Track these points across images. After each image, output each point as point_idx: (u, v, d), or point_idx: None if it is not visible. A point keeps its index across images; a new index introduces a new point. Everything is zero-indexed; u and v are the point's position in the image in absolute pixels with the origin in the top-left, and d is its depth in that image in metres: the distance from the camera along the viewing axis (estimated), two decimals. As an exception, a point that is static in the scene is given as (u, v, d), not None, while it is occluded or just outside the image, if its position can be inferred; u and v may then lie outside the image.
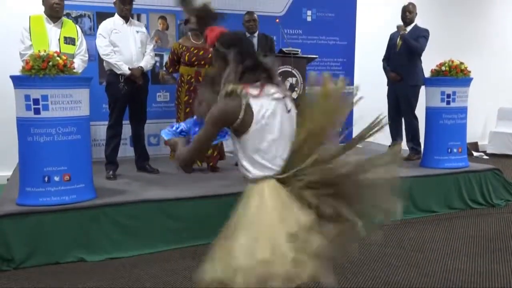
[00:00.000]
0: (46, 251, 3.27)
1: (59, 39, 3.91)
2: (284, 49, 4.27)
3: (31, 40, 3.84)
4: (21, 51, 3.81)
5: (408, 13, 5.24)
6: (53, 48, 3.78)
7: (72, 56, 3.94)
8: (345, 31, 6.43)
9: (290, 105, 1.97)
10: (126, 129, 4.63)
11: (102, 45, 4.27)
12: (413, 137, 5.33)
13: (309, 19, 6.25)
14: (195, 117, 2.20)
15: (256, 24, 5.00)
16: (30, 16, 3.94)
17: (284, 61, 4.16)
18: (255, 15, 5.03)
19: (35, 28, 3.89)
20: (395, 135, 5.56)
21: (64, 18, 4.06)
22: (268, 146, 1.88)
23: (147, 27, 5.33)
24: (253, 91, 1.86)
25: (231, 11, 5.61)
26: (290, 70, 4.14)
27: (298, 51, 4.31)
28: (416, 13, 5.29)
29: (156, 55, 5.10)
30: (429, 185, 4.55)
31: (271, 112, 1.88)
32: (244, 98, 1.84)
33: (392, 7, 7.37)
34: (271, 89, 1.92)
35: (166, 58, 5.13)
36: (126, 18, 4.39)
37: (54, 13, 3.93)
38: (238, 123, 1.84)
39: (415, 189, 4.46)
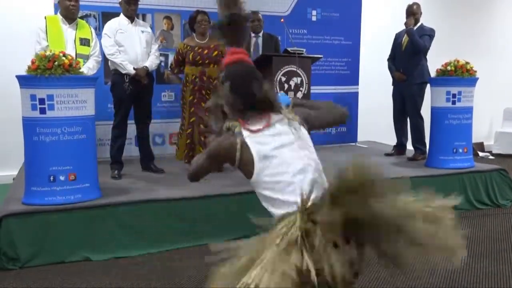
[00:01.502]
0: (51, 250, 3.28)
1: (74, 40, 3.94)
2: (289, 49, 4.26)
3: (47, 40, 3.85)
4: (37, 52, 3.73)
5: (413, 16, 5.20)
6: (69, 49, 3.81)
7: (87, 57, 3.98)
8: (350, 31, 6.41)
9: (297, 127, 1.87)
10: (131, 129, 4.65)
11: (107, 45, 4.29)
12: (418, 137, 5.32)
13: (314, 19, 6.25)
14: None
15: (261, 24, 5.00)
16: (46, 17, 3.97)
17: (289, 61, 4.15)
18: (260, 15, 5.03)
19: (52, 28, 3.91)
20: (401, 135, 5.56)
21: (79, 20, 4.09)
22: (283, 179, 1.77)
23: (152, 27, 5.33)
24: (252, 127, 1.81)
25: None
26: (295, 69, 4.13)
27: (303, 51, 4.30)
28: (421, 13, 5.27)
29: (161, 55, 5.11)
30: (434, 185, 4.44)
31: (278, 145, 1.79)
32: (238, 136, 1.78)
33: (397, 6, 7.36)
34: (274, 118, 1.84)
35: (171, 58, 5.13)
36: (131, 18, 4.40)
37: (70, 15, 3.96)
38: (238, 162, 1.79)
39: (420, 189, 4.42)
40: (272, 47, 4.99)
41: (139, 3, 4.45)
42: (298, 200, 1.67)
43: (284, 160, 1.78)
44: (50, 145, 3.33)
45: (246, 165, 1.79)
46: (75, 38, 3.96)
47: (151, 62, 4.43)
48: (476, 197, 4.68)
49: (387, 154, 5.57)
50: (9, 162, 5.27)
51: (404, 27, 5.34)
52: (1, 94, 5.27)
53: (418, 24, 5.24)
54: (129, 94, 4.31)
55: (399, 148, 5.59)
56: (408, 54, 5.20)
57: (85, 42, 4.02)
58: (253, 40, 5.04)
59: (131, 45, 4.35)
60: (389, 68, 5.47)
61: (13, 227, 3.22)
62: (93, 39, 4.08)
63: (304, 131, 1.90)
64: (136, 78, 4.28)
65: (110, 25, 4.35)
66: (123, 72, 4.27)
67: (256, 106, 1.85)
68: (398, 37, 5.42)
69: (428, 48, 5.16)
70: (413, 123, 5.32)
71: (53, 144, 3.33)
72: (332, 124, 2.12)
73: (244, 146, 1.78)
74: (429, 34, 5.16)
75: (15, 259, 3.20)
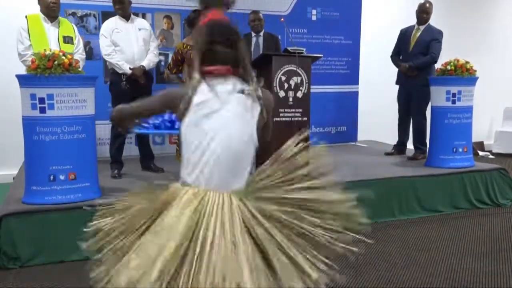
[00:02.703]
0: (51, 250, 3.28)
1: (58, 38, 3.91)
2: (289, 48, 4.26)
3: (30, 40, 3.83)
4: (20, 51, 3.80)
5: (425, 14, 5.15)
6: (53, 47, 3.74)
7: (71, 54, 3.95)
8: (350, 30, 6.42)
9: (246, 103, 1.77)
10: (131, 128, 4.63)
11: (103, 45, 4.29)
12: (420, 137, 5.30)
13: (314, 18, 6.24)
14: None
15: (261, 23, 5.00)
16: (27, 16, 3.92)
17: (289, 60, 4.15)
18: (260, 15, 5.03)
19: (33, 27, 3.87)
20: (403, 135, 5.52)
21: (60, 18, 4.05)
22: (195, 153, 1.71)
23: (152, 27, 5.34)
24: (210, 82, 1.75)
25: (236, 10, 5.60)
26: (295, 69, 4.13)
27: (303, 50, 4.30)
28: (432, 11, 5.21)
29: (161, 54, 5.12)
30: (434, 185, 4.53)
31: (214, 106, 1.72)
32: (192, 89, 1.73)
33: (397, 5, 7.37)
34: (232, 82, 1.77)
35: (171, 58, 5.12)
36: (126, 17, 4.37)
37: (51, 13, 3.92)
38: (181, 109, 1.74)
39: (420, 188, 4.45)
40: (273, 47, 4.99)
41: (139, 2, 4.43)
42: (198, 183, 1.69)
43: (205, 132, 1.71)
44: (50, 145, 3.33)
45: (182, 116, 1.75)
46: (58, 36, 3.93)
47: (149, 60, 4.41)
48: (476, 196, 4.68)
49: (388, 154, 5.56)
50: (9, 162, 5.27)
51: (411, 24, 5.29)
52: (1, 94, 5.27)
53: (426, 24, 5.19)
54: (127, 93, 4.28)
55: (400, 147, 5.57)
56: (416, 55, 5.15)
57: (68, 40, 3.98)
58: (254, 39, 5.05)
59: (127, 44, 4.33)
60: (395, 63, 5.38)
61: (13, 227, 3.22)
62: (75, 36, 4.04)
63: (254, 111, 1.79)
64: (132, 78, 4.27)
65: (107, 25, 4.34)
66: (120, 72, 4.27)
67: (222, 60, 1.77)
68: (404, 34, 5.34)
69: (438, 56, 5.08)
70: (416, 122, 5.30)
71: (53, 144, 3.33)
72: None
73: (190, 98, 1.73)
74: (438, 38, 5.09)
75: (15, 258, 3.20)
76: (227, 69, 1.78)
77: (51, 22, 3.94)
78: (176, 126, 2.15)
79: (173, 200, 1.68)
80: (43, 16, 3.93)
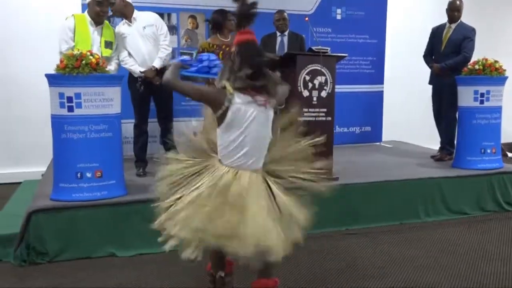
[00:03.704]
0: (78, 246, 3.35)
1: (100, 43, 3.99)
2: (313, 48, 4.23)
3: (74, 40, 3.88)
4: (63, 51, 3.79)
5: (456, 12, 5.03)
6: (95, 50, 3.80)
7: (109, 59, 4.02)
8: (375, 29, 6.35)
9: (268, 113, 2.34)
10: (156, 126, 4.67)
11: (117, 52, 4.25)
12: (449, 138, 5.18)
13: (338, 17, 6.20)
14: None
15: (286, 23, 4.99)
16: (74, 16, 3.98)
17: (313, 59, 4.12)
18: (285, 14, 5.01)
19: (80, 28, 3.92)
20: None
21: (105, 21, 4.10)
22: (232, 154, 2.30)
23: (177, 27, 5.39)
24: (242, 98, 2.25)
25: (261, 10, 5.58)
26: (319, 68, 4.10)
27: (327, 49, 4.26)
28: (462, 9, 5.08)
29: (185, 53, 5.14)
30: (461, 187, 4.45)
31: (248, 117, 2.26)
32: (228, 101, 2.23)
33: (424, 3, 7.27)
34: (259, 98, 2.28)
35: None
36: (128, 19, 4.30)
37: (98, 19, 3.99)
38: (217, 115, 2.27)
39: (447, 190, 4.37)
40: (298, 46, 4.97)
41: (165, 2, 4.38)
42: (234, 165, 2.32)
43: (245, 128, 2.28)
44: (77, 143, 3.39)
45: (220, 120, 2.29)
46: (100, 40, 4.01)
47: (159, 59, 4.29)
48: (505, 198, 4.58)
49: (435, 158, 5.27)
50: (38, 159, 5.39)
51: (443, 22, 5.19)
52: (31, 93, 5.40)
53: (458, 22, 5.06)
54: (143, 93, 4.31)
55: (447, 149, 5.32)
56: (449, 55, 5.02)
57: (108, 45, 4.06)
58: (279, 39, 5.04)
59: (135, 48, 4.28)
60: (427, 63, 5.25)
61: (42, 223, 3.29)
62: (115, 41, 4.13)
63: (270, 114, 2.36)
64: (147, 80, 4.29)
65: (117, 32, 4.29)
66: (135, 75, 4.30)
67: (256, 81, 2.25)
68: (436, 33, 5.22)
69: (471, 55, 4.95)
70: (446, 123, 5.16)
71: (80, 142, 3.39)
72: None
73: (228, 110, 2.24)
74: (470, 37, 4.96)
75: (43, 253, 3.28)
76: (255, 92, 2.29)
77: (96, 26, 4.00)
78: (212, 72, 2.70)
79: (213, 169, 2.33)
80: (90, 19, 3.98)
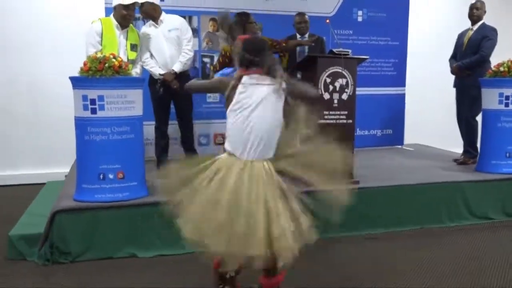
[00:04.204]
0: (100, 246, 3.39)
1: (126, 46, 4.06)
2: (334, 50, 4.21)
3: (101, 44, 3.96)
4: (90, 55, 3.83)
5: (475, 10, 5.00)
6: (121, 54, 3.90)
7: (134, 62, 4.09)
8: (397, 31, 6.27)
9: (276, 97, 2.41)
10: (177, 129, 4.70)
11: (140, 53, 4.29)
12: (471, 140, 5.09)
13: (359, 19, 6.15)
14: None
15: (307, 25, 4.98)
16: (101, 20, 4.06)
17: (334, 62, 4.10)
18: (306, 17, 5.00)
19: (106, 32, 4.00)
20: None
21: (130, 25, 4.17)
22: (235, 131, 2.39)
23: (198, 30, 5.42)
24: (249, 80, 2.41)
25: (281, 12, 5.61)
26: (340, 71, 4.08)
27: (348, 51, 4.24)
28: (485, 11, 5.03)
29: (206, 56, 5.18)
30: (485, 191, 4.36)
31: (254, 97, 2.38)
32: (235, 80, 2.41)
33: (447, 5, 7.16)
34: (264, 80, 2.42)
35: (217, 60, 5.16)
36: (156, 21, 4.35)
37: (124, 23, 4.06)
38: (226, 95, 2.43)
39: (470, 194, 4.29)
40: (318, 48, 4.95)
41: (187, 5, 4.40)
42: (234, 152, 2.39)
43: (246, 116, 2.37)
44: (100, 144, 3.44)
45: (228, 100, 2.44)
46: (126, 43, 4.07)
47: (180, 63, 4.33)
48: (531, 203, 4.47)
49: (458, 161, 5.18)
50: (61, 160, 5.49)
51: (465, 23, 5.14)
52: (55, 95, 5.51)
53: (480, 23, 5.01)
54: (162, 96, 4.35)
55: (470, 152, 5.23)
56: (469, 55, 4.97)
57: (134, 47, 4.13)
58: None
59: (158, 49, 4.34)
60: (450, 66, 5.21)
61: (65, 223, 3.35)
62: (140, 44, 4.19)
63: (278, 101, 2.42)
64: (166, 83, 4.32)
65: (142, 33, 4.35)
66: (155, 77, 4.34)
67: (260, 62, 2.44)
68: (460, 37, 5.20)
69: (489, 54, 4.89)
70: (466, 125, 5.09)
71: (103, 143, 3.44)
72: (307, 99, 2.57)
73: (235, 87, 2.41)
74: (490, 36, 4.89)
75: (66, 253, 3.33)
76: (258, 71, 2.45)
77: (122, 29, 4.07)
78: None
79: (226, 167, 2.34)
80: (116, 23, 4.05)
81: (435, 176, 4.50)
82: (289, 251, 2.19)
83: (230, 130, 2.42)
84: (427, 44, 6.85)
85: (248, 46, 2.51)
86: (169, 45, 4.36)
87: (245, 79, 2.42)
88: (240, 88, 2.40)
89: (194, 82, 2.81)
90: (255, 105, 2.36)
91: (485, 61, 4.89)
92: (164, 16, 4.40)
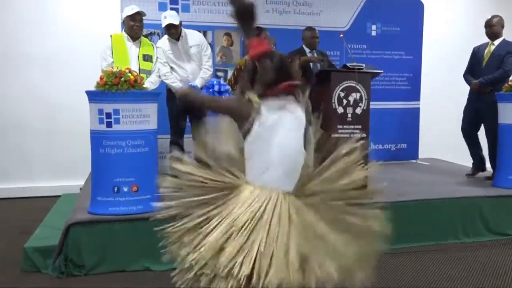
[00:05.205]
0: (114, 259, 3.40)
1: (138, 56, 4.14)
2: (348, 64, 4.22)
3: (113, 57, 4.08)
4: (103, 68, 3.97)
5: (488, 28, 4.94)
6: (133, 64, 4.00)
7: (149, 72, 4.17)
8: (411, 45, 6.27)
9: (299, 119, 2.11)
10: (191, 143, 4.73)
11: (159, 66, 4.36)
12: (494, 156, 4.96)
13: (373, 33, 6.16)
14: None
15: (318, 40, 5.00)
16: (111, 35, 4.21)
17: (348, 76, 4.11)
18: (317, 32, 5.01)
19: (117, 46, 4.14)
20: (476, 150, 5.20)
21: (142, 37, 4.29)
22: (258, 166, 2.07)
23: (212, 44, 5.47)
24: (269, 105, 2.08)
25: (294, 27, 5.65)
26: (354, 85, 4.08)
27: (362, 66, 4.25)
28: (503, 26, 4.95)
29: (220, 70, 5.22)
30: (503, 206, 4.29)
31: (276, 124, 2.06)
32: (255, 112, 2.05)
33: (461, 19, 7.14)
34: (289, 105, 2.11)
35: (230, 74, 5.21)
36: (177, 37, 4.40)
37: (133, 34, 4.17)
38: (245, 129, 2.07)
39: (487, 210, 4.23)
40: (326, 62, 4.96)
41: (200, 20, 4.47)
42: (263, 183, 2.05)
43: (268, 144, 2.05)
44: (115, 158, 3.46)
45: (246, 134, 2.09)
46: (138, 54, 4.16)
47: (201, 78, 4.42)
48: (550, 220, 4.38)
49: (469, 175, 5.19)
50: (76, 173, 5.54)
51: (480, 38, 5.08)
52: (71, 108, 5.58)
53: (501, 39, 4.93)
54: (181, 110, 4.38)
55: (479, 165, 5.21)
56: (490, 69, 4.87)
57: (148, 58, 4.20)
58: (309, 55, 5.03)
59: (179, 65, 4.41)
60: (467, 81, 5.10)
61: (80, 235, 3.36)
62: (154, 56, 4.26)
63: (302, 123, 2.12)
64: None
65: (160, 47, 4.41)
66: (175, 92, 4.38)
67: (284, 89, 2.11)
68: (476, 52, 5.09)
69: None
70: (492, 143, 4.93)
71: (117, 157, 3.46)
72: None
73: (254, 120, 2.05)
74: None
75: (80, 266, 3.34)
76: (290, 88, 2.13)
77: (133, 41, 4.17)
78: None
79: (241, 196, 2.04)
80: (126, 35, 4.19)
81: (451, 191, 4.44)
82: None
83: (250, 164, 2.11)
84: (441, 58, 6.82)
85: (281, 66, 2.16)
86: (190, 61, 4.44)
87: (265, 106, 2.09)
88: (260, 119, 2.07)
89: (194, 97, 2.46)
90: (277, 131, 2.07)
91: (508, 76, 4.81)
92: (184, 31, 4.49)
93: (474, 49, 5.19)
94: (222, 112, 2.26)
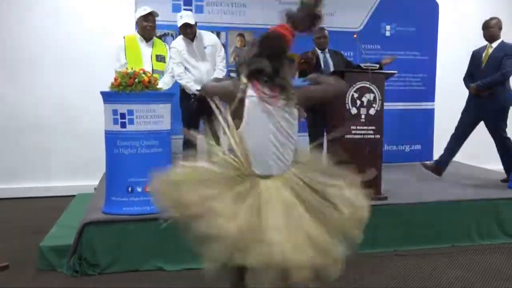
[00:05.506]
0: (128, 259, 3.43)
1: (151, 57, 4.17)
2: (362, 65, 4.19)
3: (126, 58, 4.12)
4: (116, 68, 4.01)
5: (485, 30, 4.90)
6: (146, 65, 4.03)
7: (162, 72, 4.20)
8: (426, 46, 6.22)
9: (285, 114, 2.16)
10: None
11: (174, 66, 4.38)
12: (509, 158, 4.89)
13: (388, 34, 6.13)
14: None
15: (327, 40, 4.96)
16: (124, 37, 4.25)
17: (361, 76, 4.08)
18: (326, 32, 4.98)
19: (130, 47, 4.18)
20: (450, 152, 5.15)
21: (155, 38, 4.33)
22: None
23: (225, 45, 5.49)
24: (253, 91, 2.13)
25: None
26: (368, 86, 4.05)
27: (376, 66, 4.22)
28: (500, 28, 4.90)
29: (233, 71, 5.21)
30: (519, 209, 4.23)
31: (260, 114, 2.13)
32: (241, 92, 2.13)
33: (475, 19, 7.04)
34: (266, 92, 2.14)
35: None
36: (192, 37, 4.43)
37: (146, 34, 4.20)
38: (232, 109, 2.16)
39: (503, 212, 4.18)
40: (342, 63, 4.93)
41: (214, 21, 4.50)
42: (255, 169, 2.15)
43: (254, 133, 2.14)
44: (129, 158, 3.49)
45: (236, 115, 2.16)
46: (151, 55, 4.18)
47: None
48: None
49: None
50: (91, 173, 5.59)
51: (482, 44, 5.03)
52: (86, 109, 5.64)
53: (499, 41, 4.88)
54: (196, 112, 4.40)
55: (441, 163, 5.17)
56: (488, 71, 4.82)
57: (161, 58, 4.23)
58: (321, 56, 5.01)
59: (194, 65, 4.43)
60: (466, 85, 5.07)
61: (94, 235, 3.40)
62: (168, 56, 4.29)
63: (292, 117, 2.18)
64: (201, 98, 4.35)
65: (174, 47, 4.42)
66: (189, 92, 4.40)
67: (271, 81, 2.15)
68: (476, 55, 5.06)
69: (510, 72, 4.74)
70: (501, 145, 4.88)
71: (131, 157, 3.49)
72: (331, 95, 2.40)
73: (242, 101, 2.14)
74: (510, 55, 4.74)
75: (95, 265, 3.37)
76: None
77: (146, 42, 4.21)
78: None
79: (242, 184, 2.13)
80: (139, 36, 4.23)
81: (466, 193, 4.40)
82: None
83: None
84: (456, 58, 6.73)
85: (265, 55, 2.17)
86: (205, 62, 4.46)
87: (252, 91, 2.15)
88: (248, 101, 2.14)
89: (212, 89, 2.48)
90: (262, 122, 2.16)
91: (506, 79, 4.77)
92: (199, 32, 4.51)
93: (473, 52, 5.13)
94: (219, 94, 2.32)
